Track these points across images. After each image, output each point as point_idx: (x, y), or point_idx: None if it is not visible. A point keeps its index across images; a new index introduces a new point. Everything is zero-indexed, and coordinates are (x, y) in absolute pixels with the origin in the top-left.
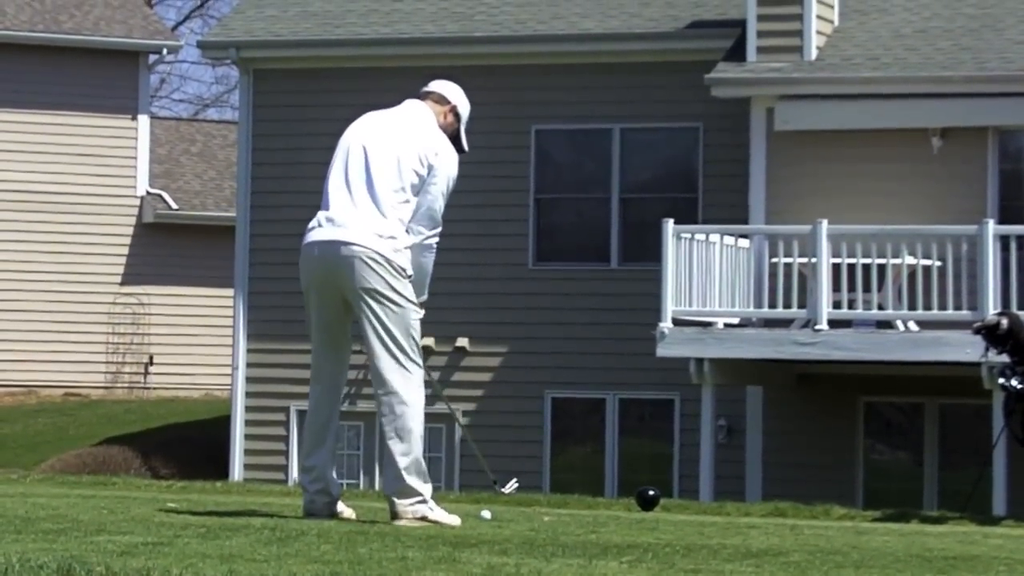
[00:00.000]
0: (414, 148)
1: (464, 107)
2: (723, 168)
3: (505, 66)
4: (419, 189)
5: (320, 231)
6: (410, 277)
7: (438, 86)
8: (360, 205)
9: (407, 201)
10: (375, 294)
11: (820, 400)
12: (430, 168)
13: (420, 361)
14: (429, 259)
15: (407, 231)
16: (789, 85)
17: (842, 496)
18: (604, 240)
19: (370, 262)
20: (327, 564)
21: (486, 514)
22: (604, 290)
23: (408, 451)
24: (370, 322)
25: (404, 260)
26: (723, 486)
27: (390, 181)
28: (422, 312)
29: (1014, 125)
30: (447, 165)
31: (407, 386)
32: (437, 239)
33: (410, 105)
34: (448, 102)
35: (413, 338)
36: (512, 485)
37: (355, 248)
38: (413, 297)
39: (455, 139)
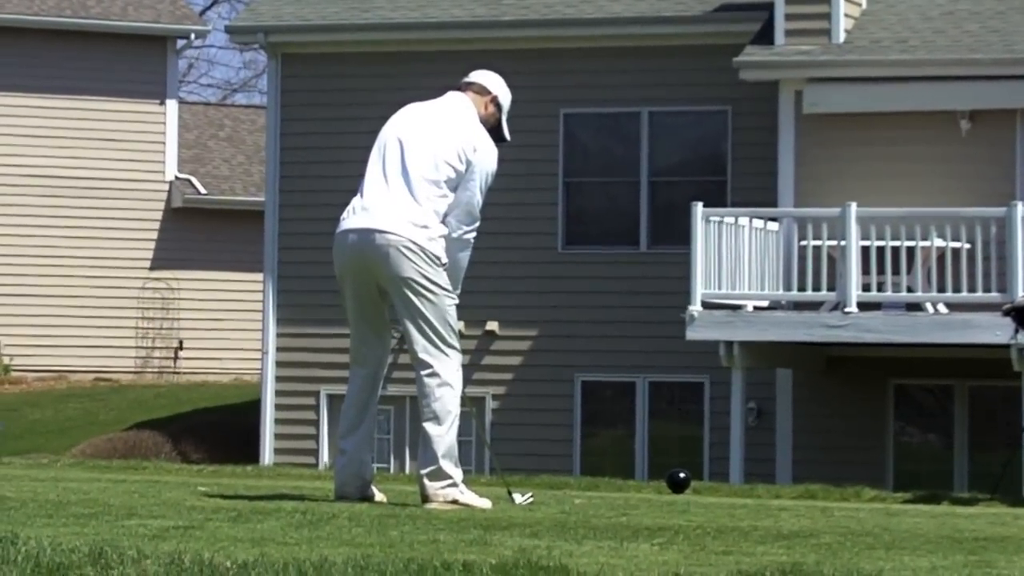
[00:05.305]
0: (453, 143)
1: (505, 97)
2: (752, 151)
3: (534, 50)
4: (456, 184)
5: (354, 219)
6: (444, 265)
7: (479, 76)
8: (395, 193)
9: (444, 196)
10: (411, 283)
11: (850, 383)
12: (468, 164)
13: (458, 346)
14: (466, 255)
15: (444, 225)
16: (817, 68)
17: (872, 478)
18: (633, 223)
19: (405, 251)
20: (358, 547)
21: (519, 497)
22: (633, 273)
23: (444, 433)
24: (407, 310)
25: (438, 248)
26: (753, 469)
27: (426, 173)
28: (457, 299)
29: None
30: (486, 161)
31: (446, 369)
32: (475, 234)
33: (451, 97)
34: (489, 92)
35: (450, 324)
36: (527, 498)
37: (390, 236)
38: (448, 284)
39: (496, 128)
